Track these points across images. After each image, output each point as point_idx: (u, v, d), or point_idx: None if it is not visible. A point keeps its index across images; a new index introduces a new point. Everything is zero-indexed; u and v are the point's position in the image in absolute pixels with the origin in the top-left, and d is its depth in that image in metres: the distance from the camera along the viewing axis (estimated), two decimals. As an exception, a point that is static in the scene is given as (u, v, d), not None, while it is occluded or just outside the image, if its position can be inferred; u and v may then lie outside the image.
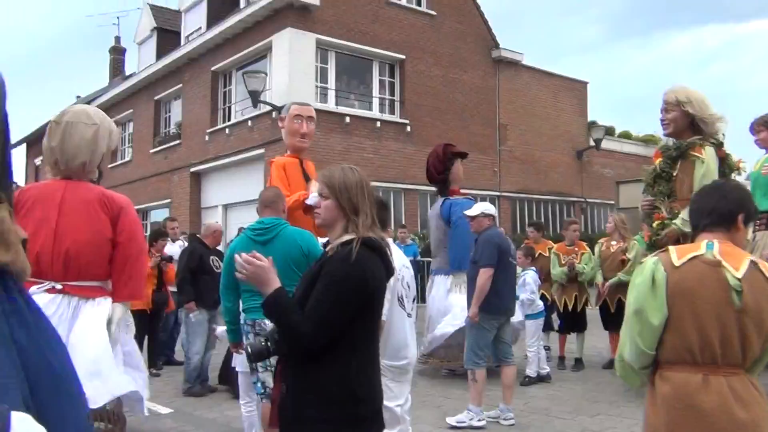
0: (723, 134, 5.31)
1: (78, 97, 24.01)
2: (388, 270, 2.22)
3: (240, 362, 3.96)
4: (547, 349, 7.74)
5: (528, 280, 6.64)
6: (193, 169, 17.77)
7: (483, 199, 18.69)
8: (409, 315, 3.32)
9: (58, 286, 4.18)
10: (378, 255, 2.16)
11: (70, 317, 4.14)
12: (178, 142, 18.72)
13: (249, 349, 2.19)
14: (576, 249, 7.41)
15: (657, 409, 2.08)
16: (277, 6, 14.71)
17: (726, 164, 5.60)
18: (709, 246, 2.09)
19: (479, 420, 5.03)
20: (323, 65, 15.70)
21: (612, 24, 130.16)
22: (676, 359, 2.05)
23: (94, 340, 4.03)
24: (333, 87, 15.87)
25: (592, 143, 20.53)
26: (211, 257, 6.73)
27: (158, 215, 18.81)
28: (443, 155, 7.40)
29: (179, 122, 19.12)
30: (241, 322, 3.69)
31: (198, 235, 7.24)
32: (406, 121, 16.67)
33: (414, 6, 17.29)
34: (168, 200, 19.04)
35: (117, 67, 24.86)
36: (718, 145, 5.44)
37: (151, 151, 20.01)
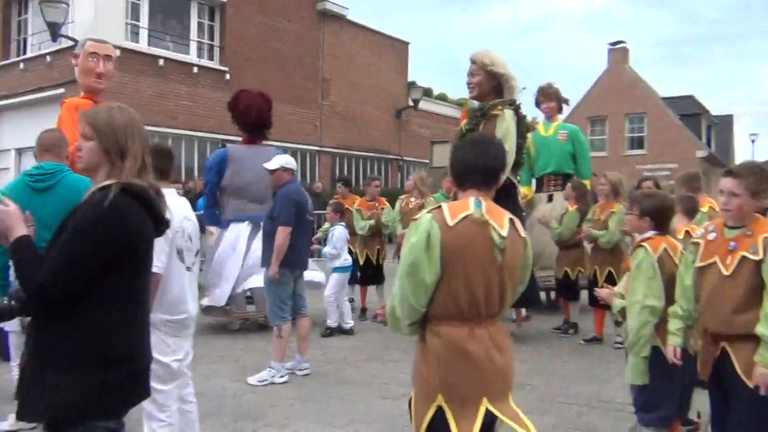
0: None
1: None
2: (157, 221, 2.07)
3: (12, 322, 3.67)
4: (351, 301, 8.05)
5: (336, 234, 6.77)
6: (-19, 105, 15.83)
7: (303, 153, 18.74)
8: (188, 269, 3.25)
9: None
10: (142, 203, 1.99)
11: None
12: (-38, 73, 16.49)
13: None
14: (377, 204, 7.73)
15: (428, 361, 2.18)
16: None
17: (523, 124, 6.20)
18: (476, 204, 2.17)
19: (281, 376, 5.06)
20: (135, 1, 14.56)
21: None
22: (445, 315, 2.15)
23: None
24: (146, 26, 14.81)
25: (411, 103, 21.29)
26: None
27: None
28: (269, 104, 7.37)
29: (-38, 50, 16.81)
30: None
31: None
32: (226, 69, 16.07)
33: (237, -52, 16.55)
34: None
35: None
36: (516, 108, 5.97)
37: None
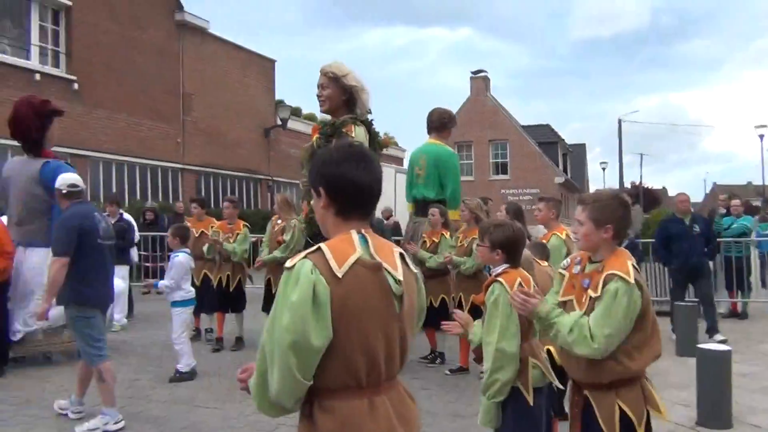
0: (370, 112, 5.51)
1: None
2: None
3: None
4: (209, 331, 7.39)
5: (175, 263, 5.92)
6: None
7: (165, 171, 17.61)
8: None
9: None
10: None
11: None
12: None
13: None
14: (233, 227, 7.20)
15: None
16: None
17: (376, 142, 5.84)
18: (362, 241, 1.72)
19: (116, 422, 4.40)
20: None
21: (312, 10, 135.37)
22: (337, 386, 1.68)
23: None
24: (-23, 26, 13.25)
25: (279, 122, 20.74)
26: None
27: None
28: (42, 110, 6.44)
29: None
30: None
31: None
32: (74, 77, 14.73)
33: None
34: None
35: None
36: (368, 124, 5.61)
37: None
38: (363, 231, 1.75)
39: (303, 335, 1.57)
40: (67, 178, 4.75)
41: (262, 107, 21.16)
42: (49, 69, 14.48)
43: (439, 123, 7.21)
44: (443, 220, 6.50)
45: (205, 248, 7.08)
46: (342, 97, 5.29)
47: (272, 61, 22.07)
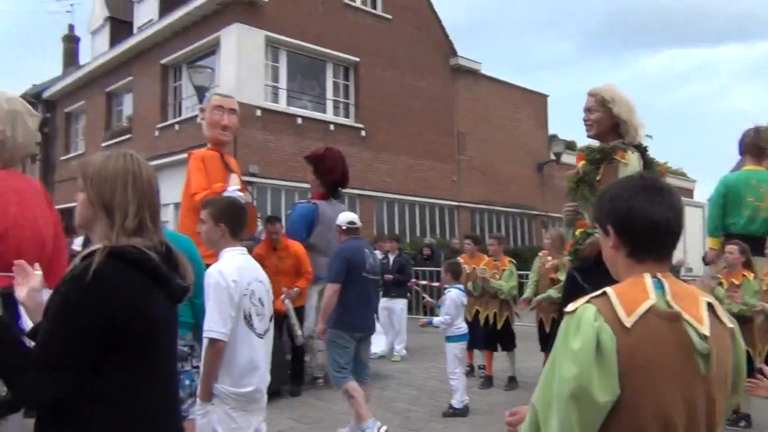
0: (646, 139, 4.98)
1: (34, 85, 23.12)
2: (170, 289, 1.69)
3: None
4: (481, 368, 7.39)
5: (447, 300, 6.03)
6: (142, 165, 17.13)
7: (441, 208, 18.40)
8: (260, 336, 2.88)
9: None
10: (138, 269, 1.62)
11: None
12: (129, 136, 18.00)
13: None
14: (498, 264, 7.11)
15: None
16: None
17: (652, 170, 5.25)
18: (657, 286, 1.50)
19: (378, 429, 4.71)
20: (274, 63, 15.20)
21: (585, 41, 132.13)
22: None
23: None
24: (284, 86, 15.37)
25: (552, 156, 20.36)
26: None
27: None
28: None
29: (130, 116, 18.43)
30: None
31: None
32: (361, 126, 16.25)
33: (369, 9, 16.91)
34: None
35: (70, 56, 23.96)
36: (642, 150, 5.10)
37: (103, 144, 19.18)
38: (659, 275, 1.51)
39: (586, 388, 1.39)
40: (347, 217, 5.40)
41: (535, 143, 21.02)
42: (341, 120, 16.18)
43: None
44: (744, 258, 5.61)
45: (470, 285, 7.11)
46: (611, 121, 4.92)
47: (544, 96, 21.87)
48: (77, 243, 7.48)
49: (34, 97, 21.89)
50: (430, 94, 17.94)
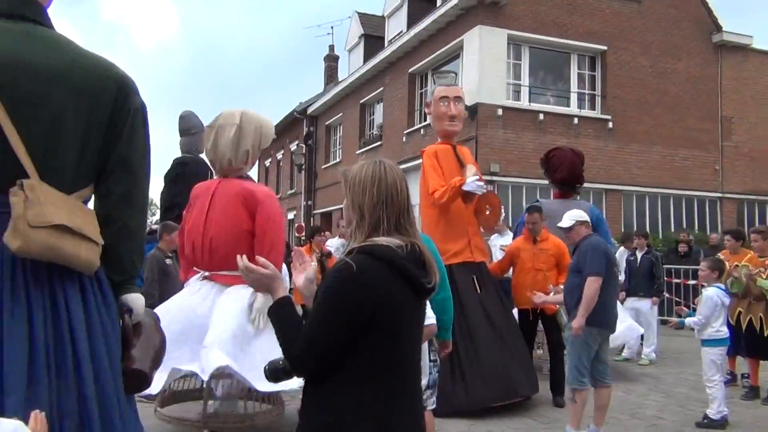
0: None
1: (300, 103, 26.07)
2: (414, 284, 1.87)
3: None
4: (745, 377, 6.72)
5: (703, 299, 5.52)
6: (393, 170, 18.35)
7: (702, 201, 16.77)
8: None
9: (207, 274, 4.61)
10: (389, 266, 1.83)
11: (214, 296, 4.49)
12: (379, 143, 19.42)
13: (266, 367, 2.03)
14: (766, 261, 6.31)
15: None
16: (467, 4, 14.53)
17: None
18: None
19: None
20: (516, 61, 15.19)
21: None
22: None
23: (227, 314, 4.30)
24: (526, 83, 15.28)
25: (844, 137, 17.35)
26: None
27: (363, 213, 19.70)
28: (581, 159, 7.33)
29: (381, 124, 19.85)
30: None
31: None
32: (608, 117, 15.49)
33: (617, -8, 16.02)
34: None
35: (331, 74, 26.50)
36: None
37: (357, 152, 20.98)
38: None
39: None
40: (576, 213, 5.09)
41: (820, 122, 18.09)
42: (586, 112, 15.59)
43: None
44: None
45: (728, 282, 6.37)
46: None
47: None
48: (332, 244, 8.36)
49: (300, 113, 24.70)
50: (688, 77, 16.45)
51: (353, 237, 1.94)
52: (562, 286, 5.34)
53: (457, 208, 5.90)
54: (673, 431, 5.31)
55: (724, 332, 5.56)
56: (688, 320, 5.63)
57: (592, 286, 4.68)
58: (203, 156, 6.70)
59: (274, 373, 2.02)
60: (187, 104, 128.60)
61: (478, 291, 5.88)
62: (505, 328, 5.89)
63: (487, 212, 6.19)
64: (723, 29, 16.84)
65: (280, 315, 1.92)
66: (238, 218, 4.52)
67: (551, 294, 5.49)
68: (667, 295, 10.01)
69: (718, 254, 7.33)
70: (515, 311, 6.49)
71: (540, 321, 6.34)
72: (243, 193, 4.55)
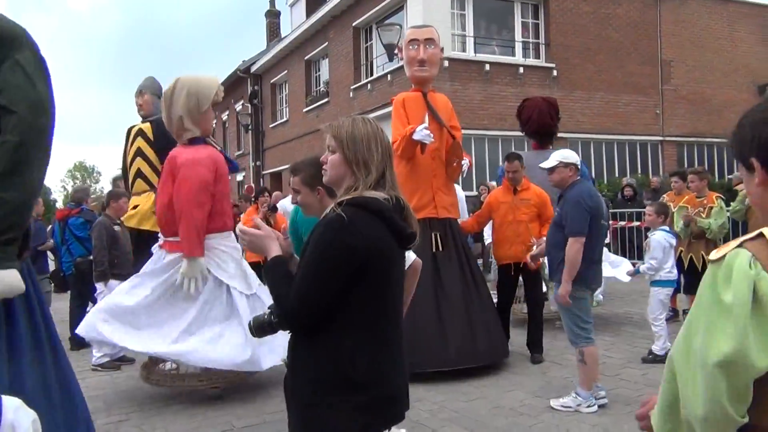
0: None
1: (243, 61, 25.43)
2: (400, 235, 1.95)
3: None
4: (672, 312, 7.01)
5: (653, 243, 5.71)
6: (341, 126, 18.16)
7: (644, 145, 17.22)
8: None
9: (160, 242, 4.70)
10: (379, 218, 1.90)
11: (161, 269, 4.60)
12: (326, 100, 19.19)
13: (251, 323, 2.09)
14: (705, 201, 6.55)
15: None
16: (409, -46, 14.32)
17: None
18: None
19: (589, 406, 4.42)
20: (461, 12, 15.10)
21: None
22: None
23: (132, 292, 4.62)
24: (471, 34, 15.23)
25: (778, 75, 17.97)
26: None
27: (313, 172, 19.56)
28: (555, 108, 7.11)
29: (327, 80, 19.57)
30: None
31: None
32: (552, 65, 15.63)
33: (558, -61, 15.98)
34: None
35: (273, 30, 25.86)
36: None
37: (304, 110, 20.73)
38: None
39: (740, 351, 1.16)
40: (563, 153, 4.64)
41: (755, 62, 18.63)
42: (531, 61, 15.69)
43: None
44: None
45: (677, 226, 6.63)
46: None
47: (767, 7, 19.20)
48: (286, 203, 8.27)
49: (244, 72, 24.13)
50: (629, 22, 16.66)
51: (344, 190, 1.98)
52: (544, 239, 5.05)
53: (422, 160, 5.47)
54: (620, 367, 5.54)
55: (674, 273, 5.83)
56: (643, 267, 5.81)
57: (573, 246, 4.36)
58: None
59: (260, 327, 2.07)
60: (125, 68, 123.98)
61: (437, 249, 5.49)
62: (460, 294, 5.46)
63: (454, 164, 5.68)
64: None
65: (275, 272, 1.97)
66: (167, 186, 4.59)
67: (534, 248, 5.30)
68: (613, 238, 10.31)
69: (663, 196, 7.60)
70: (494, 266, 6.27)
71: (522, 276, 6.01)
72: (169, 160, 4.61)
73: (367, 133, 1.99)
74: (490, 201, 6.16)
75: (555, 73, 15.62)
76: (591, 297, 4.75)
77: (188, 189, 4.39)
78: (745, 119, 1.35)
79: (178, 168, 4.46)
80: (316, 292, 1.84)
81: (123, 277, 5.40)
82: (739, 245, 1.24)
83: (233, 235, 4.68)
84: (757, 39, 18.83)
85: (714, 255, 1.27)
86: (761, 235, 1.24)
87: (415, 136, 5.17)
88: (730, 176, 14.58)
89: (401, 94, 5.32)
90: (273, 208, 8.13)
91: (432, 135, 5.26)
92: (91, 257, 6.31)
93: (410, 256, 2.58)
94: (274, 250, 2.01)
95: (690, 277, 6.73)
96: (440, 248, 5.51)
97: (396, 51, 5.33)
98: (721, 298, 1.20)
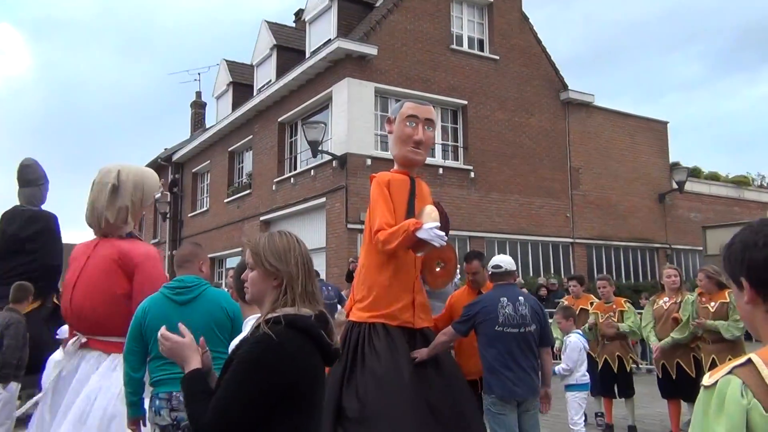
0: None
1: (165, 149, 25.19)
2: (326, 352, 1.92)
3: None
4: (599, 415, 7.07)
5: (570, 345, 5.82)
6: (262, 218, 18.04)
7: (556, 246, 17.95)
8: None
9: (83, 340, 4.26)
10: (307, 336, 1.86)
11: (91, 371, 4.17)
12: (249, 191, 19.14)
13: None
14: (614, 306, 6.80)
15: None
16: (336, 57, 14.89)
17: None
18: None
19: None
20: (383, 113, 15.65)
21: (715, 61, 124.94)
22: None
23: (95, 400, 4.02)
24: (393, 135, 15.75)
25: (675, 185, 19.40)
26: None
27: (232, 263, 19.18)
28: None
29: (250, 172, 19.60)
30: (152, 395, 3.41)
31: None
32: (470, 167, 16.30)
33: (476, 51, 17.08)
34: (240, 248, 19.40)
35: (198, 121, 25.96)
36: None
37: (226, 200, 20.56)
38: None
39: None
40: (503, 260, 4.68)
41: (655, 172, 20.13)
42: (450, 163, 16.32)
43: None
44: None
45: (584, 328, 6.81)
46: None
47: (664, 124, 20.97)
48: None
49: (165, 160, 23.89)
50: (540, 131, 17.75)
51: (268, 307, 1.93)
52: None
53: (405, 256, 4.21)
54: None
55: (587, 377, 5.94)
56: (557, 368, 5.81)
57: (444, 336, 4.11)
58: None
59: None
60: (40, 149, 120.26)
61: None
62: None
63: (438, 269, 4.43)
64: (569, 88, 18.43)
65: (192, 386, 1.88)
66: (111, 282, 4.25)
67: None
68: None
69: (563, 300, 7.76)
70: None
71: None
72: (118, 255, 4.27)
73: (284, 247, 1.97)
74: (453, 304, 4.95)
75: (473, 174, 16.26)
76: (521, 414, 4.35)
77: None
78: (737, 238, 1.39)
79: (136, 264, 4.22)
80: (236, 411, 1.76)
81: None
82: (730, 371, 1.24)
83: None
84: (655, 151, 20.42)
85: (706, 380, 1.27)
86: (750, 361, 1.24)
87: (421, 234, 3.86)
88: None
89: (384, 173, 4.30)
90: None
91: (445, 237, 3.97)
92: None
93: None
94: (195, 363, 1.93)
95: (604, 378, 6.82)
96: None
97: (386, 124, 4.41)
98: (713, 427, 1.20)
